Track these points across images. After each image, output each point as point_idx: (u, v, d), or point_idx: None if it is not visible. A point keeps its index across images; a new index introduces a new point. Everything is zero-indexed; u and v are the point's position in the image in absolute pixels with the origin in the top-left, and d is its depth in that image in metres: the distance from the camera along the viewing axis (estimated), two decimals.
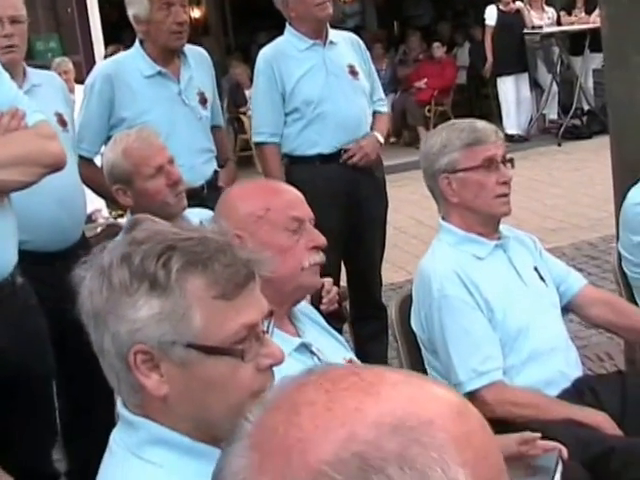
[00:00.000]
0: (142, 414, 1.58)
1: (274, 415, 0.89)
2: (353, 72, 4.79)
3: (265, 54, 4.80)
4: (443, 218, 3.13)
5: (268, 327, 1.65)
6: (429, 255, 3.08)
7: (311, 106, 4.68)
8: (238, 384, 1.57)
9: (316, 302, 2.89)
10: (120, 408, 1.62)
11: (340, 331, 4.39)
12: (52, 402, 3.44)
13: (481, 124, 3.10)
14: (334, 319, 2.92)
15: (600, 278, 6.23)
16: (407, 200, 8.78)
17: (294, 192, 2.52)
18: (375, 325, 4.70)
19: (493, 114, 12.56)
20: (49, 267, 3.48)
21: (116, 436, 1.62)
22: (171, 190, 3.44)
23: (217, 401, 1.57)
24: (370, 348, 4.72)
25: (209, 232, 1.63)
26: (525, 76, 12.71)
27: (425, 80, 13.40)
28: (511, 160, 3.11)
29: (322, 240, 2.42)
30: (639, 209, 3.45)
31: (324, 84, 4.69)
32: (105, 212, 7.92)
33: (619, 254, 3.64)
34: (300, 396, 0.89)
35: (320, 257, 2.43)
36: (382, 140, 4.88)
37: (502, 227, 3.16)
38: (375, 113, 4.95)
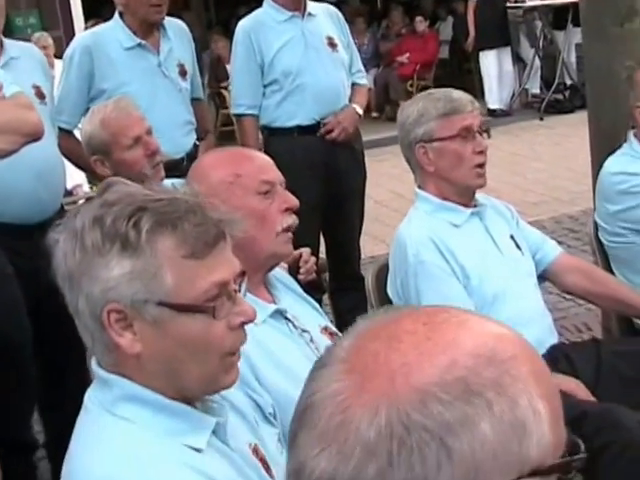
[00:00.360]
0: (116, 372, 1.60)
1: (373, 342, 0.95)
2: (332, 44, 4.78)
3: (244, 25, 4.79)
4: (419, 187, 3.15)
5: (240, 287, 1.66)
6: (405, 223, 3.10)
7: (290, 78, 4.68)
8: (210, 342, 1.60)
9: (294, 272, 2.91)
10: (94, 367, 1.64)
11: (319, 302, 4.41)
12: (30, 370, 3.45)
13: (457, 94, 3.11)
14: (313, 290, 2.94)
15: (580, 251, 6.27)
16: (388, 174, 8.79)
17: (263, 157, 2.55)
18: (354, 296, 4.71)
19: (475, 89, 12.52)
20: (27, 239, 3.48)
21: (91, 394, 1.64)
22: (149, 161, 3.44)
23: (190, 358, 1.60)
24: (349, 319, 4.68)
25: (180, 194, 1.65)
26: (507, 50, 12.69)
27: (407, 55, 13.38)
28: (487, 130, 3.12)
29: (294, 201, 2.44)
30: (615, 178, 3.48)
31: (303, 56, 4.69)
32: (86, 187, 7.89)
33: (595, 224, 3.66)
34: (399, 327, 0.96)
35: (293, 219, 2.45)
36: (360, 112, 4.88)
37: (478, 195, 3.18)
38: (354, 85, 4.95)
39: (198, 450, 1.58)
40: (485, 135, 3.10)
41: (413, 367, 0.92)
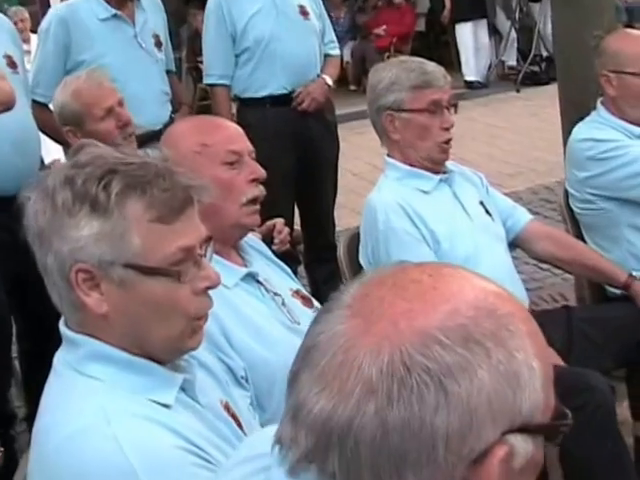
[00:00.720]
0: (84, 332, 1.63)
1: (378, 289, 1.02)
2: (304, 12, 4.80)
3: None
4: (388, 155, 3.16)
5: (206, 252, 1.69)
6: (375, 190, 3.12)
7: (261, 45, 4.69)
8: (175, 305, 1.64)
9: (268, 243, 2.92)
10: (62, 328, 1.67)
11: (295, 273, 4.44)
12: (7, 344, 3.46)
13: (431, 66, 3.11)
14: (288, 261, 2.95)
15: (556, 221, 6.27)
16: (366, 147, 8.76)
17: (233, 127, 2.56)
18: (330, 267, 4.73)
19: (452, 61, 12.54)
20: (4, 210, 3.48)
21: (59, 356, 1.67)
22: (121, 132, 3.45)
23: (154, 321, 1.63)
24: (326, 290, 4.75)
25: (150, 158, 1.68)
26: (484, 22, 12.67)
27: (384, 27, 13.34)
28: (455, 105, 3.14)
29: (262, 172, 2.45)
30: (583, 145, 3.50)
31: (274, 23, 4.70)
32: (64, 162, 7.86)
33: (566, 191, 3.68)
34: (405, 276, 1.04)
35: (260, 190, 2.46)
36: (330, 83, 4.90)
37: (448, 162, 3.20)
38: (326, 56, 4.97)
39: (166, 406, 1.61)
40: (452, 110, 3.11)
41: (417, 312, 0.98)
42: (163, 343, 1.65)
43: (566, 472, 2.76)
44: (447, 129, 3.07)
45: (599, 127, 3.52)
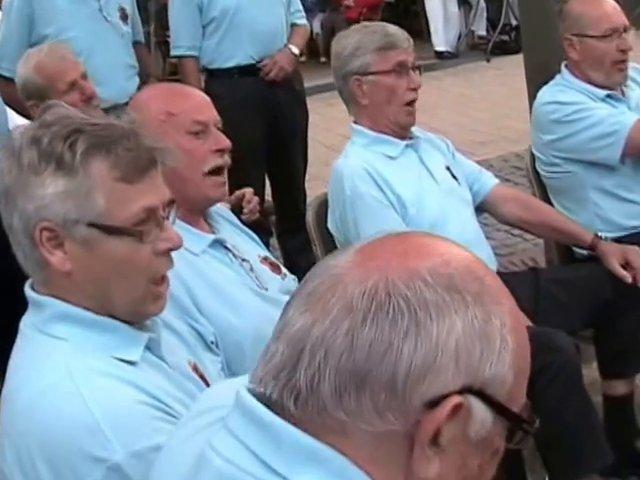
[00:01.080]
0: (48, 293, 1.66)
1: (384, 240, 1.09)
2: None
3: None
4: (355, 122, 3.17)
5: (169, 215, 1.70)
6: (342, 157, 3.13)
7: (228, 15, 4.68)
8: (137, 264, 1.66)
9: (237, 212, 2.93)
10: (27, 291, 1.69)
11: (267, 245, 4.45)
12: None
13: (393, 28, 3.14)
14: (259, 232, 2.96)
15: (526, 187, 6.25)
16: (337, 118, 8.73)
17: (200, 96, 2.56)
18: (302, 238, 4.74)
19: (422, 31, 12.53)
20: None
21: (25, 319, 1.70)
22: (85, 105, 3.43)
23: (117, 280, 1.65)
24: (298, 260, 4.76)
25: (116, 120, 1.71)
26: None
27: None
28: (419, 68, 3.15)
29: (226, 143, 2.46)
30: (547, 108, 3.52)
31: None
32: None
33: (532, 155, 3.71)
34: (405, 233, 1.14)
35: (224, 160, 2.47)
36: (296, 52, 4.90)
37: (413, 128, 3.21)
38: (293, 26, 4.96)
39: (131, 363, 1.64)
40: (417, 72, 3.13)
41: (411, 255, 1.04)
42: (125, 304, 1.67)
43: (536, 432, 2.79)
44: (414, 89, 3.09)
45: (563, 90, 3.55)
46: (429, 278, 1.01)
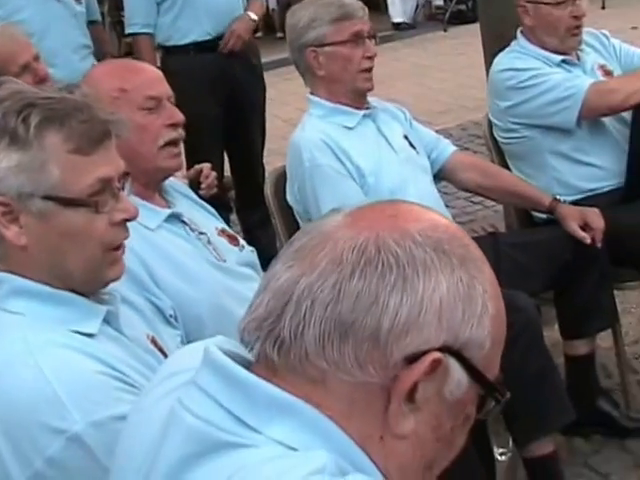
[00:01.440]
0: (4, 269, 1.66)
1: (371, 203, 1.13)
2: None
3: None
4: (311, 93, 3.18)
5: (124, 187, 1.71)
6: (299, 129, 3.13)
7: None
8: (92, 235, 1.67)
9: (195, 187, 2.93)
10: None
11: (227, 221, 4.45)
12: None
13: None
14: (219, 207, 2.96)
15: (485, 156, 6.29)
16: (294, 93, 8.70)
17: (152, 71, 2.57)
18: (261, 212, 4.74)
19: (380, 3, 12.53)
20: None
21: None
22: (38, 87, 3.41)
23: (73, 251, 1.66)
24: (259, 234, 4.77)
25: (69, 94, 1.70)
26: None
27: None
28: (374, 36, 3.16)
29: (180, 116, 2.46)
30: (503, 75, 3.53)
31: None
32: None
33: (490, 122, 3.73)
34: (396, 201, 1.17)
35: (178, 133, 2.47)
36: (254, 18, 4.87)
37: (370, 99, 3.22)
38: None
39: (89, 335, 1.65)
40: (373, 40, 3.14)
41: (402, 217, 1.07)
42: (83, 273, 1.68)
43: None
44: (370, 58, 3.10)
45: (519, 56, 3.56)
46: (419, 238, 1.04)
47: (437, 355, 1.01)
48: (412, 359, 1.01)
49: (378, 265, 1.01)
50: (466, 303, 1.04)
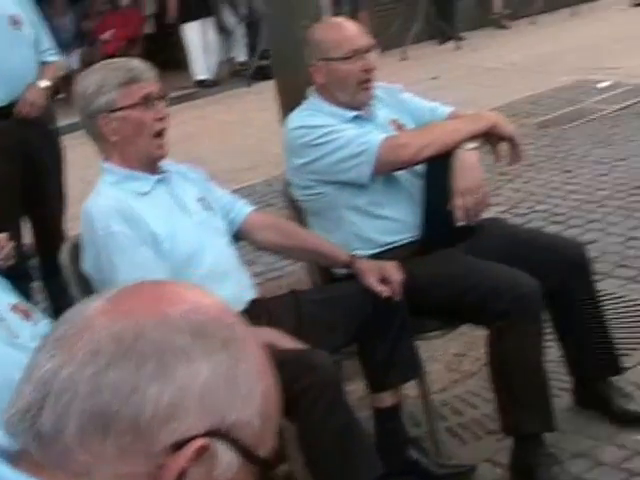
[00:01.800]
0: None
1: (135, 285, 1.11)
2: (15, 22, 4.69)
3: None
4: (105, 159, 3.14)
5: None
6: (92, 196, 3.08)
7: None
8: None
9: None
10: None
11: (27, 290, 4.34)
12: None
13: (135, 62, 3.14)
14: (18, 278, 2.88)
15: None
16: (97, 154, 8.66)
17: None
18: (63, 279, 4.66)
19: (182, 61, 12.57)
20: None
21: None
22: None
23: None
24: (66, 302, 4.65)
25: None
26: (210, 20, 12.75)
27: (112, 31, 13.18)
28: (164, 96, 3.15)
29: None
30: (297, 132, 3.57)
31: None
32: None
33: (286, 181, 3.76)
34: (161, 282, 1.18)
35: None
36: (44, 85, 4.79)
37: (165, 162, 3.21)
38: (44, 64, 4.87)
39: None
40: (164, 102, 3.13)
41: (163, 301, 1.06)
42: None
43: (305, 452, 2.82)
44: (161, 119, 3.09)
45: (312, 114, 3.61)
46: (179, 322, 1.03)
47: (202, 441, 1.00)
48: (178, 446, 1.00)
49: (134, 354, 1.00)
50: (229, 385, 1.03)
